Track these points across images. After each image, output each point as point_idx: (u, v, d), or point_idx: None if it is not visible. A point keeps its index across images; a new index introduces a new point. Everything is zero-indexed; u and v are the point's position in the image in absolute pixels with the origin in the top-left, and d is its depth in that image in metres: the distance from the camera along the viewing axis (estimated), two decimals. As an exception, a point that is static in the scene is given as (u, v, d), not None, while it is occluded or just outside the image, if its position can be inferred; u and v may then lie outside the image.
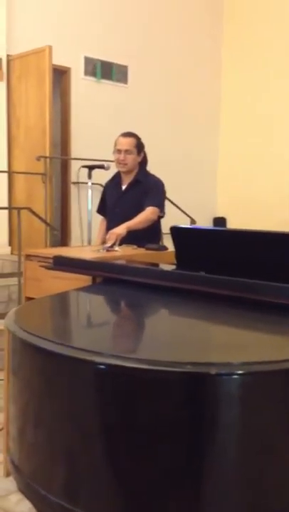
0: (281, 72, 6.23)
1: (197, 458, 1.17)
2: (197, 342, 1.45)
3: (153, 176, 3.35)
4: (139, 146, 3.27)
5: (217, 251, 1.99)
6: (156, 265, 2.31)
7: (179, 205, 5.54)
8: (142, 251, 2.74)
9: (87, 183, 3.27)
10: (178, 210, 5.53)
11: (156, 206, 3.16)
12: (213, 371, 1.11)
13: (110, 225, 3.21)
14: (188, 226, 3.09)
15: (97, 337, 1.49)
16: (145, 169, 3.37)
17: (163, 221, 3.43)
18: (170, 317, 1.81)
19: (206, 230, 2.56)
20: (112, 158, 3.25)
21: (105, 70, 5.84)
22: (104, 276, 2.13)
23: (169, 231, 2.12)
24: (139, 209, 3.14)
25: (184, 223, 5.40)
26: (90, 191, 3.28)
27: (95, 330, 1.61)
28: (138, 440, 1.20)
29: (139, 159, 3.29)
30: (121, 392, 1.20)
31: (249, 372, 1.16)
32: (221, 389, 1.16)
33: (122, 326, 1.71)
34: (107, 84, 5.87)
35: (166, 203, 3.43)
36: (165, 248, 2.74)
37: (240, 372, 1.16)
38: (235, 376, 1.15)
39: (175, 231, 2.14)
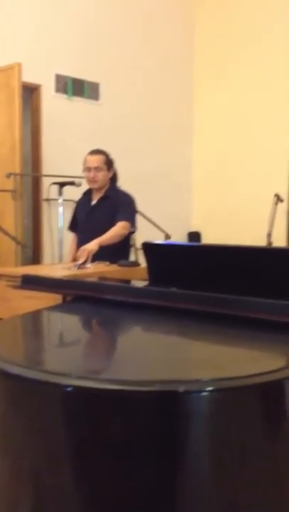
0: (255, 84, 6.30)
1: (169, 478, 1.14)
2: (169, 359, 1.42)
3: (123, 192, 3.35)
4: (109, 163, 3.28)
5: (189, 266, 1.98)
6: (128, 282, 2.29)
7: (154, 220, 5.54)
8: (114, 267, 2.72)
9: (58, 199, 3.24)
10: (152, 225, 5.53)
11: (126, 221, 3.16)
12: (181, 389, 1.09)
13: (81, 240, 3.20)
14: (160, 242, 3.09)
15: (65, 358, 1.46)
16: (115, 185, 3.38)
17: (138, 236, 3.42)
18: (142, 335, 1.79)
19: (178, 245, 2.55)
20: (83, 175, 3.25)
21: (77, 87, 5.85)
22: (74, 294, 2.10)
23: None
24: (109, 224, 3.13)
25: (159, 238, 5.39)
26: (60, 208, 3.25)
27: (64, 350, 1.57)
28: (108, 462, 1.17)
29: (110, 175, 3.30)
30: (90, 414, 1.17)
31: (218, 388, 1.15)
32: (190, 406, 1.14)
33: (92, 345, 1.68)
34: (78, 102, 5.88)
35: (141, 218, 3.43)
36: (137, 264, 2.72)
37: (209, 388, 1.14)
38: (205, 393, 1.13)
39: (147, 247, 2.13)
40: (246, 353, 1.47)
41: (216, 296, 1.68)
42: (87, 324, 1.98)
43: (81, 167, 3.26)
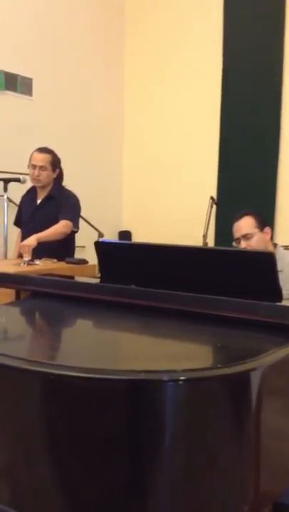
0: (185, 86, 6.43)
1: (146, 466, 1.22)
2: (136, 353, 1.50)
3: (68, 191, 3.39)
4: (55, 163, 3.30)
5: (140, 264, 2.06)
6: (73, 278, 2.34)
7: (86, 218, 5.59)
8: (62, 264, 2.76)
9: (3, 196, 3.24)
10: (86, 223, 5.58)
11: (69, 220, 3.21)
12: (165, 378, 1.18)
13: (25, 239, 3.21)
14: (112, 241, 3.16)
15: (43, 349, 1.50)
16: (60, 184, 3.41)
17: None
18: (106, 331, 1.84)
19: (130, 244, 2.63)
20: (23, 171, 3.25)
21: (9, 82, 5.79)
22: (32, 290, 2.12)
23: (80, 244, 2.15)
24: (54, 224, 3.17)
25: (92, 236, 5.46)
26: (5, 204, 3.25)
27: (39, 342, 1.62)
28: (82, 452, 1.23)
29: (54, 175, 3.33)
30: (70, 404, 1.22)
31: (192, 378, 1.23)
32: (167, 396, 1.21)
33: (62, 339, 1.72)
34: (11, 96, 5.81)
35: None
36: (85, 261, 2.79)
37: (184, 378, 1.21)
38: (181, 382, 1.21)
39: (99, 246, 2.19)
40: (208, 347, 1.58)
41: (176, 293, 1.77)
42: (52, 320, 2.00)
43: (16, 162, 3.27)
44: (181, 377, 1.22)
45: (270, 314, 1.64)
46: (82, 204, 3.52)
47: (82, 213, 5.28)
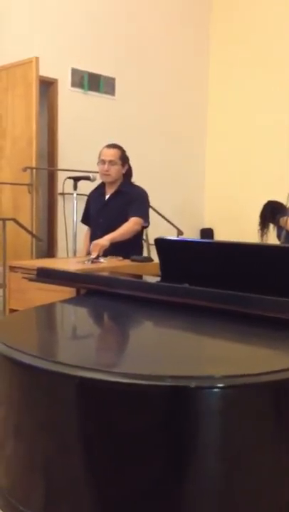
0: (268, 85, 6.29)
1: (177, 473, 1.16)
2: (181, 355, 1.43)
3: (137, 187, 3.35)
4: (124, 158, 3.29)
5: (201, 263, 1.99)
6: (140, 277, 2.30)
7: (167, 216, 5.55)
8: (127, 262, 2.73)
9: (72, 193, 3.27)
10: (165, 221, 5.54)
11: (140, 217, 3.17)
12: (192, 384, 1.10)
13: (94, 235, 3.21)
14: (173, 238, 3.09)
15: (78, 350, 1.48)
16: (129, 180, 3.38)
17: (151, 232, 3.42)
18: (153, 330, 1.80)
19: (190, 241, 2.55)
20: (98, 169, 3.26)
21: (93, 82, 5.87)
22: (88, 288, 2.12)
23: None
24: (123, 219, 3.14)
25: (172, 234, 5.41)
26: (75, 202, 3.28)
27: (77, 343, 1.59)
28: (118, 454, 1.19)
29: (123, 171, 3.30)
30: (100, 406, 1.19)
31: (230, 385, 1.15)
32: (201, 402, 1.15)
33: (104, 338, 1.70)
34: (94, 96, 5.90)
35: (154, 214, 3.42)
36: (150, 259, 2.73)
37: (220, 385, 1.14)
38: (216, 390, 1.14)
39: (159, 243, 2.13)
40: (258, 350, 1.48)
41: (228, 293, 1.68)
42: (100, 318, 2.00)
43: (96, 162, 3.28)
44: (218, 384, 1.14)
45: None
46: (163, 202, 3.46)
47: (164, 211, 5.28)
